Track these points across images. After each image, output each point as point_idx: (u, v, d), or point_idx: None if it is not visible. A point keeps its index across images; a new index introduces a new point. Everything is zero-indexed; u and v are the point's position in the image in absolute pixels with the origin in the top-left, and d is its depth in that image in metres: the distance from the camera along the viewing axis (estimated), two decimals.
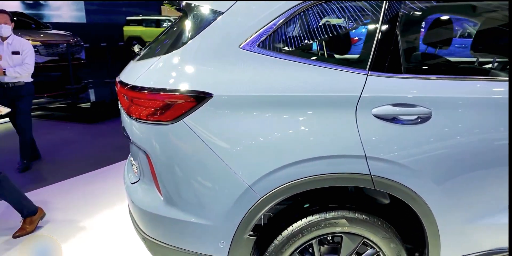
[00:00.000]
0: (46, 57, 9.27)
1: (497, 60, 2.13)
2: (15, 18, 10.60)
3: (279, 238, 1.73)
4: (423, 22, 1.86)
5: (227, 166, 1.61)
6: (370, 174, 1.65)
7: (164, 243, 1.78)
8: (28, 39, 9.45)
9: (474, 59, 2.55)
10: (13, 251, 2.81)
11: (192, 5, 1.78)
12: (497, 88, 1.73)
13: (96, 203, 3.55)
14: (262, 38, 1.66)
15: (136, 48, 2.20)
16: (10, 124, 4.72)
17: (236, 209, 1.65)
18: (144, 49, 2.07)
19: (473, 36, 2.12)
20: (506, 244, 1.90)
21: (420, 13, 1.78)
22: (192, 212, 1.69)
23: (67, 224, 3.16)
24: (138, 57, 1.99)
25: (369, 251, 1.80)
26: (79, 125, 6.57)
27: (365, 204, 1.85)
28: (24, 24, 10.67)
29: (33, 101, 7.34)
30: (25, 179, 4.18)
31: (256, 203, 1.64)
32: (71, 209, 3.43)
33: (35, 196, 3.47)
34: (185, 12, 1.81)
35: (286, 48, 1.70)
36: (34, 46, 9.18)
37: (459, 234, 1.81)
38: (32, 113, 7.19)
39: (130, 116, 1.72)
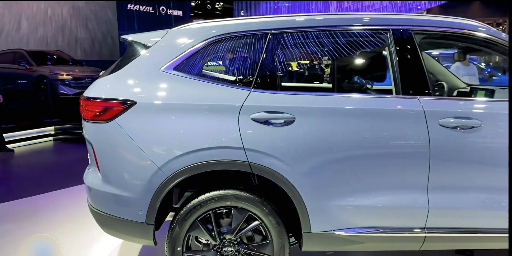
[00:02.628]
0: (76, 89, 10.38)
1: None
2: (55, 57, 12.05)
3: (184, 209, 2.33)
4: (299, 52, 2.50)
5: (144, 153, 2.26)
6: (248, 161, 2.25)
7: (102, 211, 2.42)
8: (62, 74, 10.71)
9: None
10: (13, 250, 3.19)
11: (131, 41, 2.51)
12: (348, 101, 2.33)
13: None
14: (177, 64, 2.36)
15: (101, 73, 2.94)
16: None
17: (150, 185, 2.27)
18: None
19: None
20: (377, 224, 2.36)
21: (297, 46, 2.42)
22: (119, 187, 2.33)
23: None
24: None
25: (254, 222, 2.36)
26: None
27: (254, 187, 2.43)
28: (63, 61, 12.05)
29: (60, 126, 8.32)
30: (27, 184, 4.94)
31: (164, 181, 2.26)
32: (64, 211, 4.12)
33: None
34: (128, 45, 2.54)
35: (194, 71, 2.37)
36: (66, 80, 10.39)
37: (325, 212, 2.32)
38: (57, 137, 8.18)
39: (83, 119, 2.42)
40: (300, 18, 2.45)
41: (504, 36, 2.47)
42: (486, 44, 2.53)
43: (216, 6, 29.22)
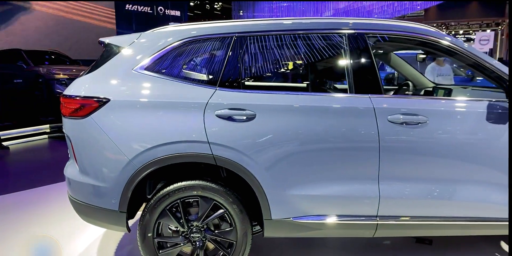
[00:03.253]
0: None
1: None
2: (52, 56, 12.25)
3: (154, 198, 2.53)
4: (261, 54, 2.69)
5: (116, 146, 2.46)
6: (212, 154, 2.44)
7: (80, 200, 2.62)
8: (59, 74, 10.92)
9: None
10: (12, 250, 3.24)
11: (108, 43, 2.71)
12: (304, 99, 2.52)
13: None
14: (148, 64, 2.56)
15: (81, 73, 3.14)
16: None
17: (122, 176, 2.47)
18: None
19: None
20: (333, 212, 2.54)
21: (260, 48, 2.62)
22: (94, 178, 2.53)
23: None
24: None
25: (220, 210, 2.56)
26: None
27: (221, 178, 2.63)
28: (61, 61, 12.26)
29: (55, 124, 8.53)
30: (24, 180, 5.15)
31: (135, 172, 2.46)
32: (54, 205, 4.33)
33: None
34: (105, 47, 2.74)
35: (163, 71, 2.57)
36: (63, 79, 10.60)
37: (284, 201, 2.52)
38: (53, 135, 8.39)
39: (62, 115, 2.62)
40: (261, 23, 2.65)
41: (466, 46, 2.66)
42: (449, 51, 2.70)
43: (215, 6, 29.38)
